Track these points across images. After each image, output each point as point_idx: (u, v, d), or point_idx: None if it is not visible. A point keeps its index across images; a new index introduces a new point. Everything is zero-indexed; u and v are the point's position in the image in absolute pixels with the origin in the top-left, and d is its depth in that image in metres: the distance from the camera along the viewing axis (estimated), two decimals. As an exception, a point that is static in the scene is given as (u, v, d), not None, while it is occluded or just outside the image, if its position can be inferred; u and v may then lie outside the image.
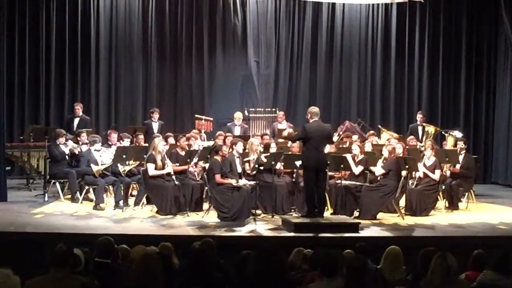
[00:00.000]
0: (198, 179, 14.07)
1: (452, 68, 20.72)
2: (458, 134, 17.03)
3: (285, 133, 14.05)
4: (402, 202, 13.96)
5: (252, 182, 13.21)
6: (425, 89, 20.63)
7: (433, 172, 13.95)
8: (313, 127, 12.19)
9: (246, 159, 13.69)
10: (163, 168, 13.33)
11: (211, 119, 17.66)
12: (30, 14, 19.14)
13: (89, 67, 19.55)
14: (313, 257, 7.43)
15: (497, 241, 10.97)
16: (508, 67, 19.71)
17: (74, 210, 13.49)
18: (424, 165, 14.06)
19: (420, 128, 17.54)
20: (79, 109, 17.28)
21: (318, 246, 9.10)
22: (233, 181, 12.92)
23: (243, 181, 13.16)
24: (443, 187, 14.58)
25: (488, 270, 6.95)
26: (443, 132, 17.68)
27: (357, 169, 13.82)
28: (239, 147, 13.47)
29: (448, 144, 16.61)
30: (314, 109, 12.56)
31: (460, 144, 15.44)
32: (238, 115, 17.59)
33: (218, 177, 12.89)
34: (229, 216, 12.65)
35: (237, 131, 17.10)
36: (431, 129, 17.42)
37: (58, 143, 14.87)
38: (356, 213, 13.35)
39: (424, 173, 14.01)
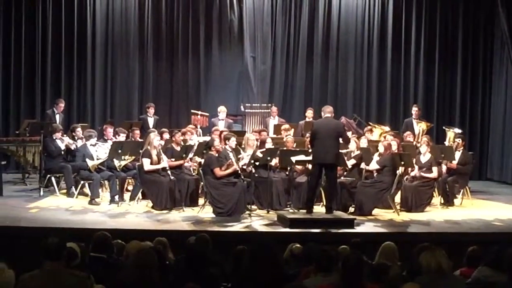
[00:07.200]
0: (193, 174, 14.04)
1: (449, 64, 20.71)
2: (457, 130, 17.02)
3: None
4: (398, 198, 13.96)
5: (248, 179, 13.20)
6: (421, 84, 20.59)
7: (430, 169, 13.96)
8: (319, 123, 12.37)
9: (239, 156, 13.64)
10: (158, 163, 13.29)
11: (207, 114, 17.60)
12: (26, 10, 19.10)
13: (85, 62, 19.54)
14: (308, 253, 7.44)
15: (492, 238, 10.97)
16: (504, 62, 19.69)
17: (69, 205, 13.48)
18: (419, 161, 14.08)
19: (415, 122, 17.32)
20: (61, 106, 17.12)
21: (313, 241, 9.10)
22: (235, 167, 12.92)
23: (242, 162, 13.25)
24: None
25: (483, 266, 6.97)
26: (443, 127, 17.65)
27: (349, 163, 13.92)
28: (232, 142, 13.38)
29: (449, 139, 16.56)
30: (327, 108, 12.65)
31: (458, 140, 15.42)
32: (222, 108, 17.41)
33: (217, 171, 12.83)
34: (225, 212, 12.64)
35: (221, 125, 16.87)
36: (422, 125, 17.28)
37: (54, 138, 14.85)
38: (351, 209, 13.37)
39: (420, 170, 14.03)
